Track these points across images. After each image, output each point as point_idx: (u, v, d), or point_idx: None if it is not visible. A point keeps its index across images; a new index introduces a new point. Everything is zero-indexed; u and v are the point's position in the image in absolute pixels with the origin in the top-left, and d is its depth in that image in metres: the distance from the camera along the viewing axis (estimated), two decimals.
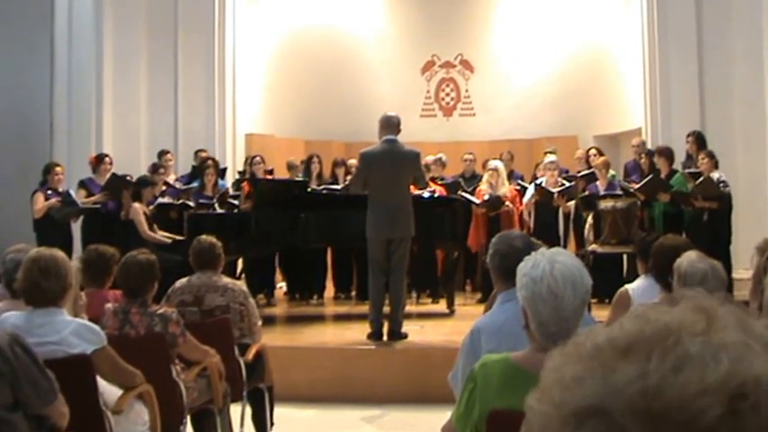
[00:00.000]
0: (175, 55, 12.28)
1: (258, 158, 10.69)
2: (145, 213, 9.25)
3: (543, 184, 10.24)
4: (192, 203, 9.89)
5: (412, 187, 7.99)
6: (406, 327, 7.79)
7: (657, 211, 9.34)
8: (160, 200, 9.81)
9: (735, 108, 11.08)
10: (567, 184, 10.18)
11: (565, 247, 9.60)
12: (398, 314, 7.70)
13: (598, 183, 9.98)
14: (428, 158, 10.64)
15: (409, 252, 7.84)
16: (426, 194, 9.42)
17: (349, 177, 10.73)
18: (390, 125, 7.61)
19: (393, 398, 6.98)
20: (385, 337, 7.64)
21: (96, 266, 5.23)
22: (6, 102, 11.97)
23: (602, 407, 0.70)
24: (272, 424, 5.87)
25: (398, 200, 7.53)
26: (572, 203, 10.18)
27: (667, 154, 9.61)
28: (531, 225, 10.17)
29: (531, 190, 10.31)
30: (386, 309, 7.77)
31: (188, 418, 4.86)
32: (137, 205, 9.22)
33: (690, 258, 3.82)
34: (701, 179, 9.00)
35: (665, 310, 0.76)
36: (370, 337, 7.63)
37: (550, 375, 0.76)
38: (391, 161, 7.50)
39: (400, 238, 7.56)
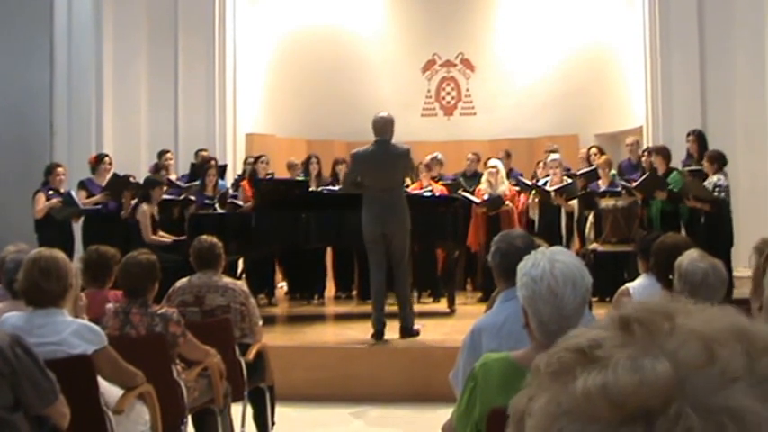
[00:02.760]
0: (176, 55, 12.28)
1: (265, 158, 10.65)
2: (152, 216, 9.24)
3: (547, 183, 10.24)
4: (194, 198, 9.91)
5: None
6: None
7: (655, 209, 9.33)
8: (164, 197, 9.81)
9: (736, 107, 11.08)
10: (565, 182, 10.18)
11: (568, 246, 9.60)
12: (407, 311, 7.74)
13: (600, 182, 9.97)
14: (426, 158, 10.64)
15: (410, 250, 7.85)
16: (427, 193, 9.43)
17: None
18: (379, 126, 7.70)
19: (394, 397, 6.97)
20: (398, 335, 7.67)
21: (97, 267, 5.23)
22: (6, 102, 11.97)
23: None
24: (273, 423, 5.88)
25: (390, 197, 7.57)
26: (573, 202, 10.18)
27: (664, 153, 9.60)
28: (537, 224, 10.17)
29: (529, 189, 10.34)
30: (393, 308, 7.81)
31: (189, 417, 4.87)
32: (145, 207, 9.21)
33: (691, 257, 3.81)
34: (692, 179, 8.98)
35: (659, 346, 0.71)
36: (372, 337, 7.64)
37: (537, 424, 0.72)
38: (382, 160, 7.55)
39: (393, 232, 7.58)
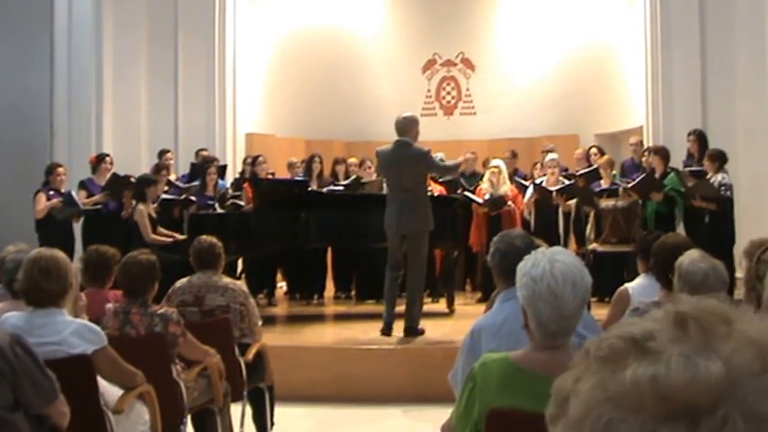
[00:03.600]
0: (176, 55, 12.29)
1: (262, 158, 10.68)
2: (150, 215, 9.23)
3: (544, 183, 10.23)
4: (194, 198, 9.91)
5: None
6: None
7: (650, 209, 9.33)
8: (163, 196, 9.81)
9: (737, 106, 11.07)
10: (567, 183, 10.18)
11: (565, 245, 9.59)
12: (413, 311, 7.78)
13: (602, 182, 9.96)
14: None
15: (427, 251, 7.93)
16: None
17: (349, 176, 10.82)
18: (400, 126, 7.74)
19: (393, 397, 6.97)
20: (402, 334, 7.71)
21: (97, 267, 5.23)
22: (6, 102, 11.97)
23: None
24: (272, 424, 5.88)
25: (409, 197, 7.63)
26: (572, 202, 10.17)
27: (663, 153, 9.59)
28: (532, 224, 10.17)
29: (531, 189, 10.32)
30: (400, 307, 7.85)
31: (188, 417, 4.87)
32: (141, 207, 9.20)
33: (691, 257, 3.80)
34: (699, 179, 8.98)
35: (713, 348, 0.70)
36: (381, 332, 7.69)
37: (579, 408, 0.72)
38: (401, 161, 7.62)
39: (411, 232, 7.64)
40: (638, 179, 9.38)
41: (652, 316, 0.77)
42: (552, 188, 10.07)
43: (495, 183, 10.11)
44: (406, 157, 7.62)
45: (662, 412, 0.68)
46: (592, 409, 0.71)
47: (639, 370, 0.70)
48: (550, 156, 10.59)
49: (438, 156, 8.34)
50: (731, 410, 0.67)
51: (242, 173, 11.16)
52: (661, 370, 0.69)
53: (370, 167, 10.68)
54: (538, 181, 10.40)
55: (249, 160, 10.96)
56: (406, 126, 7.73)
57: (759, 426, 0.66)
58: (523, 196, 10.34)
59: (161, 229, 9.36)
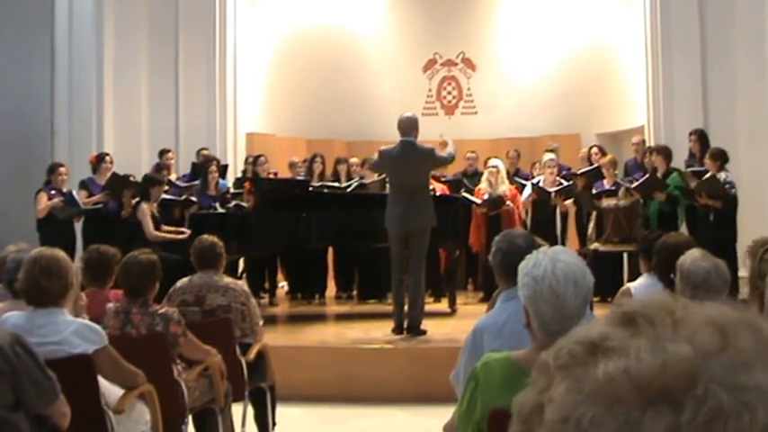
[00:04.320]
0: (176, 54, 12.28)
1: (263, 158, 10.69)
2: (152, 214, 9.22)
3: (541, 183, 10.23)
4: (194, 199, 9.90)
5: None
6: None
7: (652, 209, 9.32)
8: (164, 196, 9.79)
9: (738, 106, 11.07)
10: (565, 183, 10.17)
11: (562, 245, 9.58)
12: (417, 311, 7.82)
13: (605, 181, 9.94)
14: None
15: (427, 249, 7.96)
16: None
17: (351, 175, 10.82)
18: (404, 127, 7.79)
19: (395, 397, 6.97)
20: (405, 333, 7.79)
21: (97, 266, 5.22)
22: (7, 102, 11.97)
23: None
24: (274, 424, 5.87)
25: (413, 197, 7.68)
26: (569, 202, 10.17)
27: (665, 153, 9.58)
28: (528, 224, 10.16)
29: (528, 189, 10.31)
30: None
31: (189, 417, 4.86)
32: (144, 206, 9.19)
33: (693, 256, 3.79)
34: (707, 176, 8.96)
35: (676, 332, 0.72)
36: (393, 331, 7.79)
37: (557, 412, 0.72)
38: (406, 161, 7.65)
39: (413, 232, 7.68)
40: (641, 179, 9.36)
41: (599, 322, 0.77)
42: (551, 189, 10.06)
43: (493, 183, 10.11)
44: (414, 156, 7.67)
45: (642, 401, 0.68)
46: (571, 410, 0.71)
47: (610, 365, 0.70)
48: (548, 156, 10.59)
49: (449, 147, 8.35)
50: (709, 384, 0.68)
51: (244, 172, 11.16)
52: (632, 362, 0.70)
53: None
54: (535, 181, 10.40)
55: (251, 160, 10.97)
56: (411, 126, 7.78)
57: (739, 394, 0.67)
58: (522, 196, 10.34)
59: (164, 227, 9.35)
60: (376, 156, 8.14)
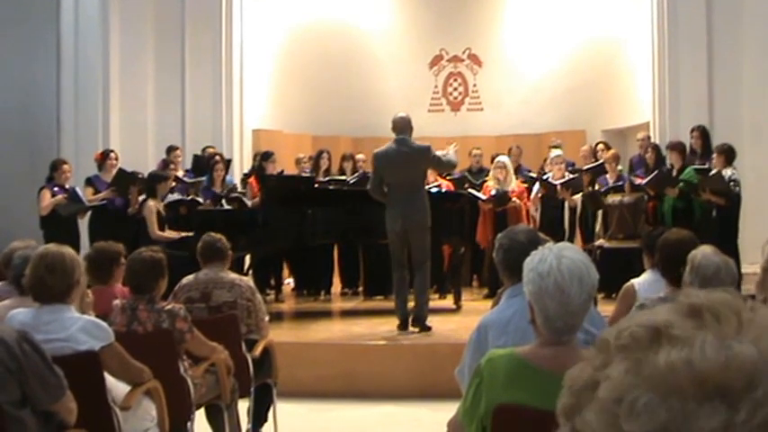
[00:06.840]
0: (182, 51, 12.29)
1: (273, 156, 10.65)
2: (158, 212, 9.21)
3: (549, 179, 10.22)
4: (201, 200, 9.88)
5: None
6: None
7: (667, 205, 9.30)
8: (170, 197, 9.77)
9: (743, 102, 11.05)
10: (571, 176, 10.16)
11: (571, 241, 9.58)
12: (421, 306, 7.84)
13: (608, 176, 9.95)
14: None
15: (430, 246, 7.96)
16: (434, 189, 9.42)
17: (357, 172, 10.81)
18: (398, 126, 7.80)
19: (400, 393, 6.98)
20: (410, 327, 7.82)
21: (100, 263, 5.23)
22: (13, 98, 12.00)
23: None
24: (265, 420, 5.84)
25: (411, 195, 7.67)
26: (578, 197, 10.16)
27: (680, 148, 9.53)
28: (538, 220, 10.16)
29: (537, 185, 10.32)
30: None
31: (196, 413, 4.87)
32: (151, 203, 9.16)
33: (704, 251, 3.83)
34: (712, 172, 8.94)
35: (741, 333, 0.72)
36: (398, 327, 7.80)
37: (613, 391, 0.73)
38: (401, 159, 7.66)
39: (413, 229, 7.67)
40: (651, 176, 9.34)
41: (662, 308, 0.78)
42: (556, 182, 10.05)
43: (501, 180, 10.10)
44: (409, 153, 7.68)
45: (698, 394, 0.69)
46: (627, 391, 0.72)
47: (673, 354, 0.71)
48: (555, 152, 10.59)
49: (450, 148, 8.35)
50: None
51: (253, 167, 11.14)
52: (695, 354, 0.70)
53: None
54: (544, 177, 10.39)
55: (262, 156, 10.93)
56: (405, 126, 7.80)
57: None
58: (530, 192, 10.33)
59: (168, 230, 9.33)
60: (371, 161, 8.11)
